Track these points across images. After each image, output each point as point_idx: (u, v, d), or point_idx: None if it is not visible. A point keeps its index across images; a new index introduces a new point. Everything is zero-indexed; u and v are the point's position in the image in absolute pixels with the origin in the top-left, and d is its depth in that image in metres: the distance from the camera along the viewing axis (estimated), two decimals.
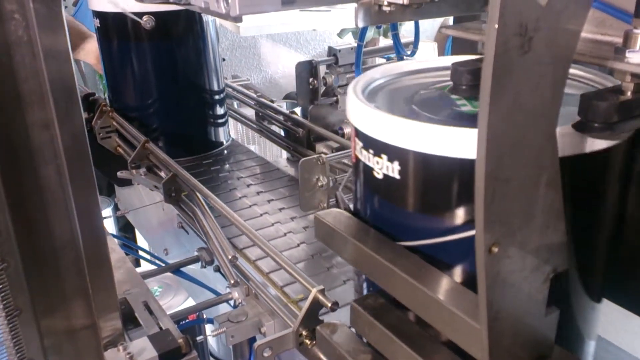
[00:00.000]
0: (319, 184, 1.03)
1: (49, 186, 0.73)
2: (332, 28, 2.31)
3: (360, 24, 0.66)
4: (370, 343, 0.68)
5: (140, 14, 1.33)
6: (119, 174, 1.28)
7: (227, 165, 1.54)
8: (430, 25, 2.70)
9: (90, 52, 1.88)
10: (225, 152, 1.60)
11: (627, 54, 0.55)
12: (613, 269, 0.63)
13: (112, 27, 1.42)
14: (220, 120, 1.60)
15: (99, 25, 1.43)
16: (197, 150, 1.57)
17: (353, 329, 0.72)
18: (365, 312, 0.67)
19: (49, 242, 0.75)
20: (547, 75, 0.41)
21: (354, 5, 0.65)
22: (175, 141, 1.54)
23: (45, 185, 0.72)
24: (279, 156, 1.93)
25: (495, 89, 0.38)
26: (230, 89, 1.70)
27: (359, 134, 0.63)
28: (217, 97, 1.56)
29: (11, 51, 0.66)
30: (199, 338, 0.97)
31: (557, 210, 0.46)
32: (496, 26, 0.36)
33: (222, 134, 1.62)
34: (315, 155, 1.03)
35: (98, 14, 1.42)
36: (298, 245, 1.13)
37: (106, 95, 1.59)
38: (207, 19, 1.45)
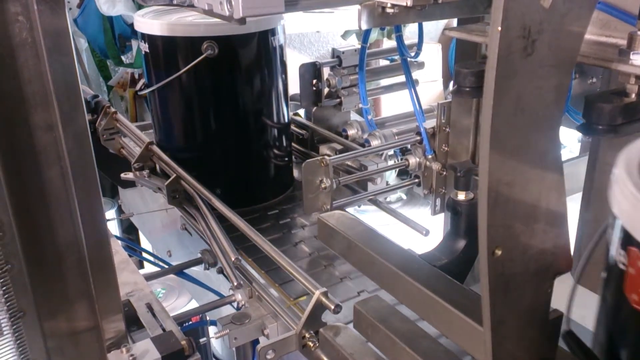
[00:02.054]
0: (323, 185, 1.03)
1: (52, 188, 0.73)
2: (336, 30, 2.31)
3: (364, 26, 0.66)
4: (374, 345, 0.68)
5: (200, 39, 1.11)
6: (122, 175, 1.28)
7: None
8: (434, 27, 2.69)
9: None
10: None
11: (632, 56, 0.55)
12: None
13: (164, 53, 1.19)
14: (287, 160, 1.35)
15: (147, 50, 1.20)
16: (260, 197, 1.30)
17: (356, 331, 0.72)
18: (368, 315, 0.67)
19: (52, 244, 0.75)
20: (550, 78, 0.41)
21: (358, 7, 0.65)
22: (236, 187, 1.27)
23: (48, 187, 0.73)
24: None
25: (498, 91, 0.38)
26: None
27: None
28: (283, 135, 1.31)
29: (15, 53, 0.66)
30: (202, 340, 0.97)
31: (561, 212, 0.46)
32: (499, 29, 0.36)
33: (287, 176, 1.36)
34: (319, 157, 1.03)
35: (146, 38, 1.19)
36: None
37: (154, 134, 1.33)
38: (276, 43, 1.22)
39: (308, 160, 1.02)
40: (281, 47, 1.23)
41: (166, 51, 1.18)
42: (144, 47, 1.20)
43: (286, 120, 1.31)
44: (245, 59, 1.18)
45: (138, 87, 1.28)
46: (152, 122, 1.33)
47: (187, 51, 1.14)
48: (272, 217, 1.26)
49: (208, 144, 1.24)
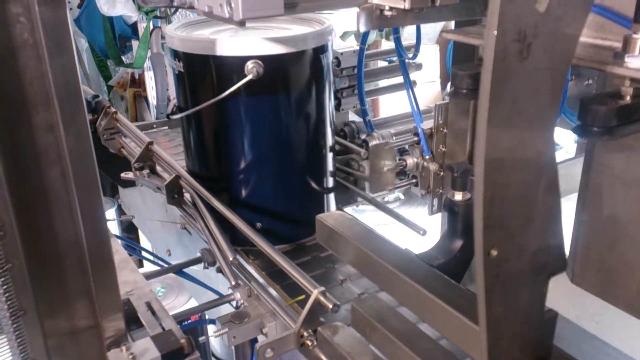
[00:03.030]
0: (385, 167, 1.13)
1: (53, 188, 0.73)
2: (335, 31, 2.32)
3: (362, 29, 0.66)
4: (372, 344, 0.69)
5: (244, 59, 0.98)
6: (122, 175, 1.28)
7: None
8: (432, 28, 2.70)
9: None
10: None
11: (627, 59, 0.55)
12: None
13: (202, 74, 1.06)
14: (333, 187, 1.22)
15: (181, 70, 1.07)
16: (306, 232, 1.16)
17: (354, 330, 0.72)
18: (366, 314, 0.68)
19: (53, 244, 0.76)
20: (546, 81, 0.41)
21: (356, 9, 0.66)
22: (280, 221, 1.13)
23: (49, 187, 0.73)
24: None
25: (494, 94, 0.38)
26: None
27: None
28: (331, 162, 1.18)
29: (16, 54, 0.67)
30: (202, 339, 0.98)
31: (556, 214, 0.47)
32: (495, 32, 0.37)
33: (332, 208, 1.23)
34: (384, 141, 1.13)
35: (181, 56, 1.06)
36: None
37: (186, 161, 1.21)
38: (326, 61, 1.09)
39: (373, 144, 1.14)
40: (329, 66, 1.11)
41: (205, 71, 1.05)
42: (178, 66, 1.07)
43: (333, 146, 1.20)
44: (293, 80, 1.05)
45: (170, 109, 1.17)
46: (185, 147, 1.19)
47: (229, 72, 1.00)
48: (312, 248, 1.13)
49: (249, 174, 1.10)
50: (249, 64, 0.97)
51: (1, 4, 0.64)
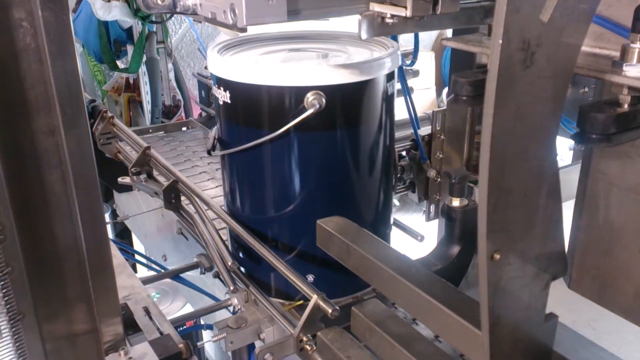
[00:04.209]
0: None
1: (53, 192, 0.73)
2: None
3: (364, 36, 0.67)
4: (371, 348, 0.69)
5: (303, 90, 0.84)
6: (119, 180, 1.28)
7: None
8: (427, 35, 2.72)
9: None
10: None
11: (624, 68, 0.56)
12: None
13: (252, 106, 0.90)
14: (390, 231, 1.08)
15: (226, 100, 0.91)
16: (363, 283, 0.97)
17: (353, 335, 0.73)
18: (365, 318, 0.68)
19: (52, 247, 0.76)
20: (548, 89, 0.42)
21: (358, 17, 0.66)
22: (336, 271, 0.88)
23: (49, 190, 0.73)
24: None
25: (498, 102, 0.39)
26: None
27: None
28: (391, 207, 1.05)
29: (19, 58, 0.67)
30: (199, 344, 0.98)
31: (557, 219, 0.47)
32: (500, 42, 0.37)
33: None
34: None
35: (227, 85, 0.90)
36: None
37: (226, 200, 1.07)
38: (393, 89, 0.95)
39: None
40: (394, 94, 0.97)
41: (256, 103, 0.89)
42: (223, 95, 0.91)
43: (395, 186, 1.10)
44: (360, 113, 0.90)
45: (210, 144, 0.99)
46: (227, 187, 1.03)
47: (286, 104, 0.86)
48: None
49: (304, 219, 0.93)
50: (310, 96, 0.83)
51: (4, 9, 0.64)
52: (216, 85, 0.93)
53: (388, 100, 0.93)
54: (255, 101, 0.88)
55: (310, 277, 0.96)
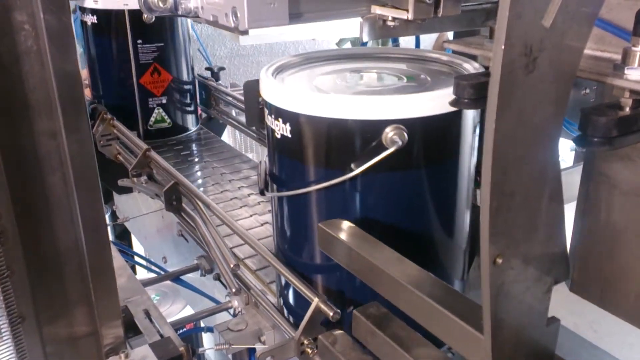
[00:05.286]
0: None
1: (54, 194, 0.74)
2: (331, 37, 2.33)
3: (365, 39, 0.67)
4: (372, 352, 0.69)
5: (380, 124, 0.70)
6: (120, 182, 1.28)
7: None
8: (428, 36, 2.72)
9: None
10: None
11: (626, 71, 0.56)
12: None
13: (316, 142, 0.76)
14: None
15: (286, 134, 0.77)
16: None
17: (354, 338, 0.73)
18: (367, 321, 0.68)
19: (53, 250, 0.76)
20: (551, 93, 0.42)
21: (360, 20, 0.67)
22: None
23: (51, 193, 0.73)
24: None
25: (500, 106, 0.39)
26: (229, 97, 1.71)
27: None
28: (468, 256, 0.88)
29: (20, 61, 0.67)
30: (200, 350, 0.98)
31: (559, 223, 0.47)
32: (502, 47, 0.37)
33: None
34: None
35: (288, 117, 0.76)
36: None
37: (276, 242, 0.91)
38: (478, 119, 0.78)
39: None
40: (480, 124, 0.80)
41: (323, 139, 0.75)
42: (280, 127, 0.77)
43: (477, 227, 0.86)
44: (444, 148, 0.76)
45: (262, 183, 0.87)
46: (278, 228, 0.89)
47: (361, 140, 0.72)
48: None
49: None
50: (389, 132, 0.69)
51: (6, 12, 0.64)
52: (272, 116, 0.79)
53: (475, 131, 0.78)
54: (322, 136, 0.74)
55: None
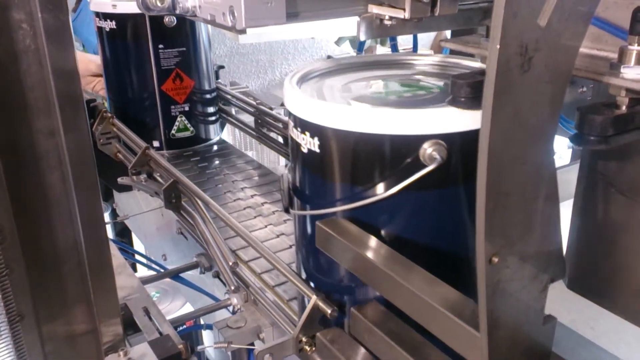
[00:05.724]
0: None
1: (53, 193, 0.74)
2: (330, 36, 2.33)
3: (363, 37, 0.67)
4: (370, 349, 0.69)
5: (417, 139, 0.65)
6: (119, 180, 1.28)
7: None
8: (426, 35, 2.72)
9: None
10: None
11: (622, 70, 0.56)
12: None
13: (347, 158, 0.70)
14: None
15: (314, 148, 0.72)
16: None
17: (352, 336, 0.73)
18: (364, 319, 0.68)
19: (52, 248, 0.76)
20: (546, 93, 0.42)
21: (357, 19, 0.67)
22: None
23: (49, 192, 0.74)
24: (277, 163, 1.94)
25: (496, 106, 0.39)
26: (229, 96, 1.71)
27: None
28: None
29: (18, 60, 0.67)
30: (199, 348, 0.98)
31: (555, 222, 0.48)
32: (498, 46, 0.38)
33: None
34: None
35: (317, 131, 0.71)
36: (277, 236, 1.15)
37: (302, 265, 0.84)
38: None
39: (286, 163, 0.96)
40: None
41: (356, 155, 0.69)
42: (307, 142, 0.72)
43: None
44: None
45: (287, 200, 0.82)
46: (303, 248, 0.83)
47: (396, 157, 0.66)
48: None
49: None
50: (427, 147, 0.64)
51: (4, 10, 0.65)
52: (298, 128, 0.73)
53: None
54: (355, 152, 0.69)
55: None
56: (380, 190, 0.68)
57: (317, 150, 0.71)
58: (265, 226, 1.24)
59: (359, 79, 0.82)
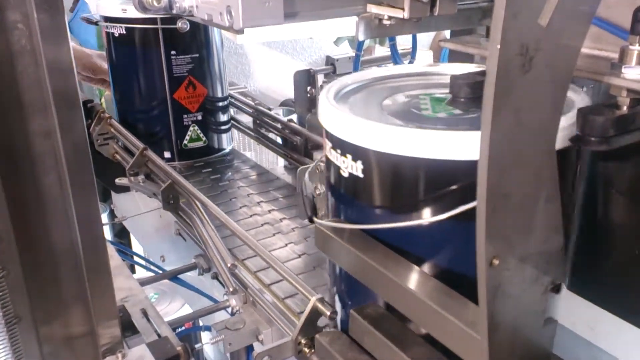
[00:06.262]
0: (317, 192, 0.98)
1: (49, 194, 0.73)
2: (329, 36, 2.32)
3: (361, 37, 0.67)
4: (369, 351, 0.69)
5: (473, 164, 0.49)
6: (117, 181, 1.28)
7: None
8: (426, 34, 2.71)
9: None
10: None
11: (623, 70, 0.56)
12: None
13: (395, 184, 0.64)
14: None
15: (356, 173, 0.65)
16: None
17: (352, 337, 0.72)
18: (364, 321, 0.68)
19: (49, 250, 0.75)
20: (547, 94, 0.42)
21: (355, 19, 0.66)
22: None
23: (46, 193, 0.73)
24: (275, 163, 1.94)
25: (496, 107, 0.39)
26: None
27: None
28: None
29: (14, 60, 0.67)
30: (197, 346, 0.98)
31: (556, 224, 0.47)
32: (498, 47, 0.37)
33: None
34: (314, 164, 0.84)
35: (361, 154, 0.64)
36: (299, 256, 1.13)
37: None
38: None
39: (302, 167, 0.85)
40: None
41: (406, 182, 0.62)
42: (349, 165, 0.66)
43: None
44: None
45: (310, 211, 0.79)
46: (338, 278, 0.77)
47: (452, 182, 0.58)
48: None
49: None
50: None
51: None
52: (337, 150, 0.67)
53: (576, 170, 0.65)
54: (406, 178, 0.62)
55: None
56: (432, 219, 0.60)
57: (361, 175, 0.64)
58: (286, 245, 1.17)
59: (401, 95, 0.74)
